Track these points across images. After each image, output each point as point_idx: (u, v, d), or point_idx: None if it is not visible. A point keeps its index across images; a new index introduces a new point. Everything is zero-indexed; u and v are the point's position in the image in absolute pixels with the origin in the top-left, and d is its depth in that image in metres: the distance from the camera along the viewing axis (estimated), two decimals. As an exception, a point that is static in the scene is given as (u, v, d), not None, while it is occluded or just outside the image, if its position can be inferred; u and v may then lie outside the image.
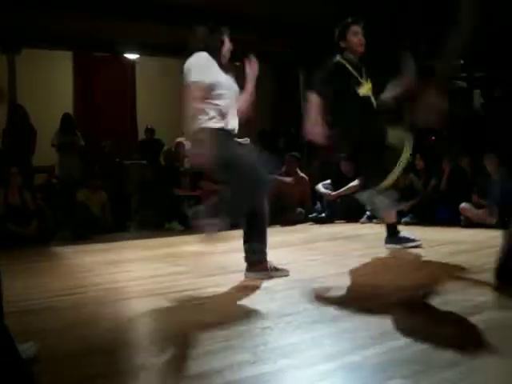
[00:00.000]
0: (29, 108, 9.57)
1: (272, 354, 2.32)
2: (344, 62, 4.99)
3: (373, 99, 4.98)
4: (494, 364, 2.11)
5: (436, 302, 3.11)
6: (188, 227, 7.15)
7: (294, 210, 9.10)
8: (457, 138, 8.72)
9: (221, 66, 3.95)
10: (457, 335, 2.48)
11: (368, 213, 8.54)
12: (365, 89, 5.00)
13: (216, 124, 3.77)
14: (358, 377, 2.05)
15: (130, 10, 8.28)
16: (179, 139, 9.20)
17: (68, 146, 9.54)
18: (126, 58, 11.59)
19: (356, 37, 5.01)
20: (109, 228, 8.45)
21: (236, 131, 3.94)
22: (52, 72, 11.34)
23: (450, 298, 3.16)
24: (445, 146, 8.83)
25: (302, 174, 9.41)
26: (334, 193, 8.89)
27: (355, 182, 6.60)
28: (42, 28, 8.94)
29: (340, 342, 2.45)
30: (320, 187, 9.16)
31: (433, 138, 9.46)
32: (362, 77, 5.00)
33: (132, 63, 11.94)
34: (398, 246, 5.17)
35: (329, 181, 9.15)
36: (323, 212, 8.98)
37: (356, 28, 5.04)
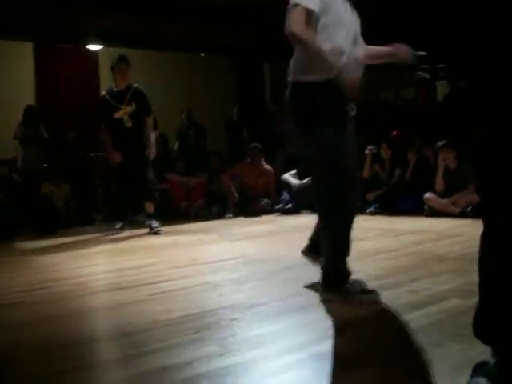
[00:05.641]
0: (-10, 100, 9.43)
1: (240, 345, 2.33)
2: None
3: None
4: (456, 349, 2.14)
5: (402, 290, 3.15)
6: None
7: (260, 200, 9.10)
8: (421, 129, 8.81)
9: None
10: (422, 323, 2.52)
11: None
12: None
13: None
14: (325, 366, 2.07)
15: (93, 1, 8.17)
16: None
17: (31, 139, 9.41)
18: (89, 49, 11.45)
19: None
20: (73, 221, 8.36)
21: None
22: (14, 63, 11.14)
23: (415, 286, 3.21)
24: (409, 137, 8.92)
25: (266, 166, 9.40)
26: (299, 182, 8.90)
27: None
28: (1, 18, 8.78)
29: (307, 332, 2.47)
30: (287, 176, 9.17)
31: (395, 131, 9.55)
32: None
33: (95, 54, 11.81)
34: None
35: (295, 171, 9.16)
36: (290, 203, 8.99)
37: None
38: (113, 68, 6.86)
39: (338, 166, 3.01)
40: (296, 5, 2.94)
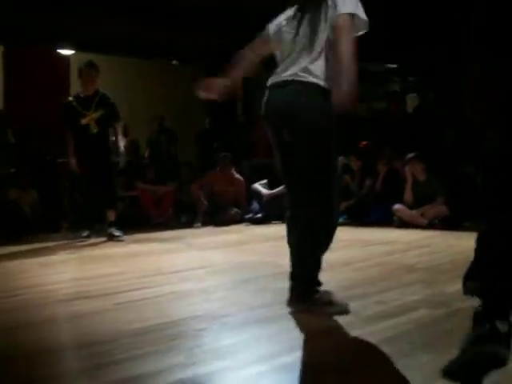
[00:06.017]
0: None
1: (206, 355, 2.30)
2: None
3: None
4: (424, 360, 2.14)
5: (370, 300, 3.15)
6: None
7: (229, 210, 9.07)
8: (391, 140, 8.88)
9: None
10: (390, 333, 2.51)
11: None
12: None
13: None
14: (292, 377, 2.06)
15: (64, 5, 8.10)
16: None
17: (-2, 144, 9.28)
18: (60, 53, 11.34)
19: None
20: (40, 228, 8.24)
21: None
22: (-19, 68, 11.01)
23: (383, 297, 3.21)
24: (379, 148, 8.98)
25: (236, 175, 9.39)
26: (269, 192, 8.92)
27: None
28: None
29: (273, 343, 2.45)
30: (258, 186, 9.17)
31: (364, 142, 9.62)
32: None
33: (66, 59, 11.69)
34: None
35: (265, 181, 9.17)
36: (259, 212, 8.98)
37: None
38: (81, 74, 6.81)
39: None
40: (352, 14, 2.90)
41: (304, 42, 2.99)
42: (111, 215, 6.96)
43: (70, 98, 7.00)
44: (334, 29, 2.90)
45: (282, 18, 3.17)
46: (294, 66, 2.99)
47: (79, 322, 3.01)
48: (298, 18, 3.07)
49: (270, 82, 3.09)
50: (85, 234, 6.96)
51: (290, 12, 3.15)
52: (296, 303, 3.02)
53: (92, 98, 6.75)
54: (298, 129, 2.96)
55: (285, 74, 3.01)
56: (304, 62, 2.96)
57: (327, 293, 3.06)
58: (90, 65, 6.81)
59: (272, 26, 3.20)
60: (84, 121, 6.71)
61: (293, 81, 2.96)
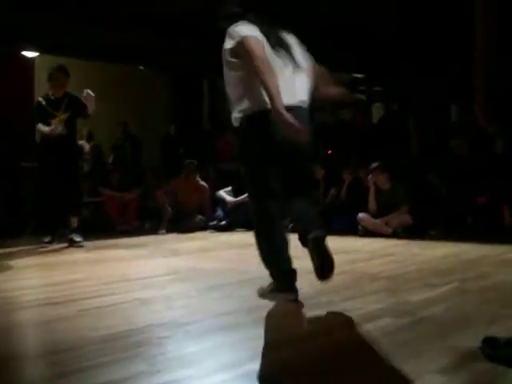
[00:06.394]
0: None
1: (171, 363, 2.27)
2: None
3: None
4: (385, 368, 2.14)
5: (334, 309, 3.15)
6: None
7: (194, 217, 9.04)
8: (356, 149, 8.95)
9: None
10: (353, 342, 2.52)
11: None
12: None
13: None
14: (256, 386, 2.04)
15: (29, 7, 7.99)
16: (80, 142, 8.98)
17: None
18: (24, 55, 11.18)
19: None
20: (1, 233, 8.11)
21: None
22: None
23: (347, 306, 3.21)
24: (344, 157, 9.05)
25: (201, 182, 9.37)
26: (234, 199, 8.91)
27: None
28: None
29: (237, 351, 2.43)
30: (222, 193, 9.16)
31: (329, 151, 9.68)
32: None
33: (31, 61, 11.54)
34: None
35: (230, 188, 9.16)
36: (224, 220, 8.97)
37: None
38: (51, 77, 6.76)
39: None
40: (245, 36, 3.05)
41: None
42: (74, 221, 6.89)
43: (40, 98, 6.94)
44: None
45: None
46: None
47: (43, 329, 2.96)
48: None
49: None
50: (47, 239, 6.87)
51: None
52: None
53: (62, 100, 6.72)
54: None
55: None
56: None
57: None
58: (60, 69, 6.78)
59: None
60: (54, 122, 6.64)
61: None
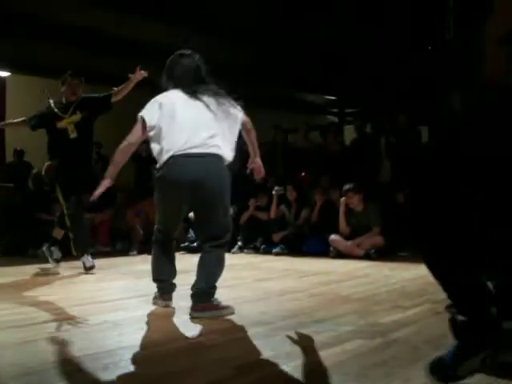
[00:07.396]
0: None
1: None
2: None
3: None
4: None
5: (305, 331, 3.13)
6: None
7: (165, 238, 8.97)
8: (328, 171, 8.98)
9: None
10: (324, 364, 2.50)
11: (239, 243, 8.64)
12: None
13: None
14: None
15: (1, 27, 7.95)
16: (49, 162, 8.87)
17: None
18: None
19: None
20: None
21: None
22: None
23: (318, 327, 3.20)
24: (316, 179, 9.08)
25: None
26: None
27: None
28: None
29: (206, 374, 2.40)
30: (193, 215, 9.11)
31: (303, 173, 9.71)
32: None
33: (2, 80, 11.45)
34: None
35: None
36: (196, 241, 8.92)
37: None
38: (63, 82, 6.32)
39: None
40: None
41: None
42: (58, 233, 6.53)
43: (50, 100, 6.41)
44: None
45: None
46: None
47: (7, 352, 2.89)
48: None
49: None
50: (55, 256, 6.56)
51: None
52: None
53: (71, 103, 6.27)
54: None
55: None
56: None
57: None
58: (73, 74, 6.33)
59: None
60: (60, 124, 6.24)
61: None
